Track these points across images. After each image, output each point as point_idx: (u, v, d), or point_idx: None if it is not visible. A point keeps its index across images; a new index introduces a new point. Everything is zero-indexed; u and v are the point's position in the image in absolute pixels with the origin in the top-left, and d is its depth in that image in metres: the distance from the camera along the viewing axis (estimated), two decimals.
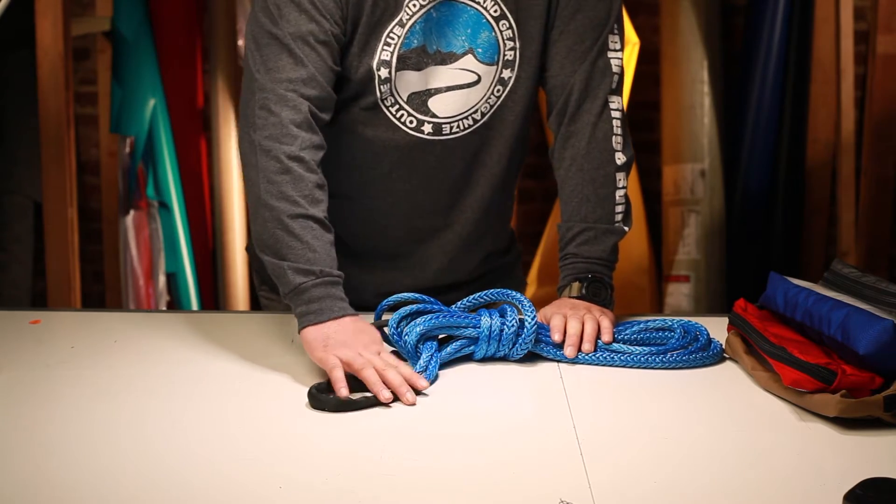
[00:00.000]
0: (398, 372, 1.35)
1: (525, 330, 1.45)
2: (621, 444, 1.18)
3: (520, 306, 1.47)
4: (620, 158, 1.63)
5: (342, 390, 1.33)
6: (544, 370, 1.45)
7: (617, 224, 1.63)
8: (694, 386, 1.39)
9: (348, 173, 1.65)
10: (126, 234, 3.44)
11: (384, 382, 1.33)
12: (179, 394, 1.36)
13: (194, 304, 3.46)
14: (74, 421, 1.25)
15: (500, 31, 1.58)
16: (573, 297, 1.58)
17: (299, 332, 1.45)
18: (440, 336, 1.47)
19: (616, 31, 1.63)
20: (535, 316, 1.45)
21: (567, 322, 1.50)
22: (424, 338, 1.44)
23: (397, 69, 1.56)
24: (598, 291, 1.59)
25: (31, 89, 2.95)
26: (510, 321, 1.44)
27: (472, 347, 1.46)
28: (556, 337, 1.48)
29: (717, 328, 1.54)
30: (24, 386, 1.38)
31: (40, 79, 2.85)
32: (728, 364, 1.46)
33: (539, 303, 1.56)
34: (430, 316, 1.44)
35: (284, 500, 1.04)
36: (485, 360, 1.47)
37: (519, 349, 1.46)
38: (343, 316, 1.44)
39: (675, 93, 3.38)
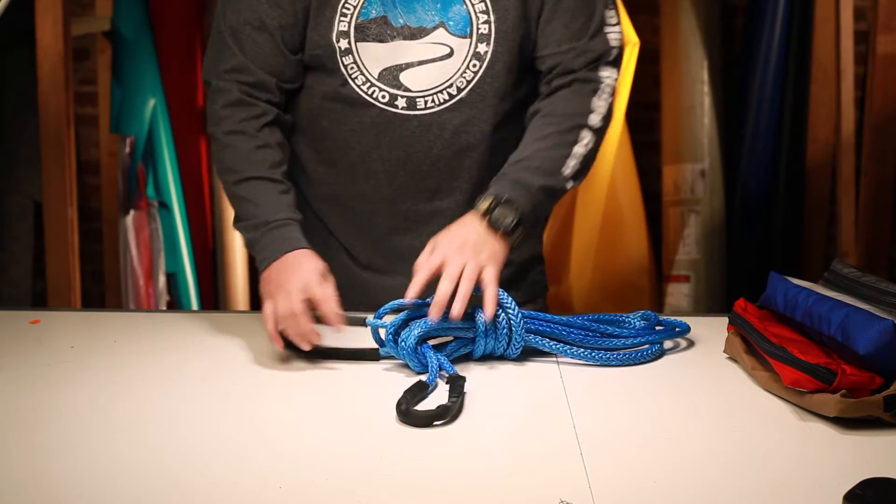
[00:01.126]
0: (298, 324, 1.41)
1: (514, 324, 1.43)
2: (621, 444, 1.18)
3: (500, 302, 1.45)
4: (594, 120, 1.60)
5: (276, 345, 1.42)
6: (544, 370, 1.45)
7: (564, 173, 1.57)
8: (694, 386, 1.39)
9: (329, 161, 1.65)
10: (126, 234, 3.44)
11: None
12: (179, 394, 1.36)
13: (194, 304, 3.46)
14: (74, 421, 1.25)
15: (472, 5, 1.59)
16: (477, 211, 1.51)
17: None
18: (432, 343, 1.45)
19: (612, 6, 1.62)
20: (518, 310, 1.44)
21: (441, 281, 1.42)
22: (421, 341, 1.43)
23: (357, 39, 1.58)
24: (504, 215, 1.50)
25: (31, 89, 2.95)
26: (500, 316, 1.43)
27: (469, 347, 1.46)
28: (417, 279, 1.43)
29: (717, 328, 1.54)
30: (24, 386, 1.38)
31: (40, 79, 2.85)
32: (728, 364, 1.46)
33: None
34: (424, 320, 1.42)
35: (284, 500, 1.04)
36: (483, 358, 1.47)
37: (514, 346, 1.45)
38: (281, 255, 1.49)
39: (675, 93, 3.38)
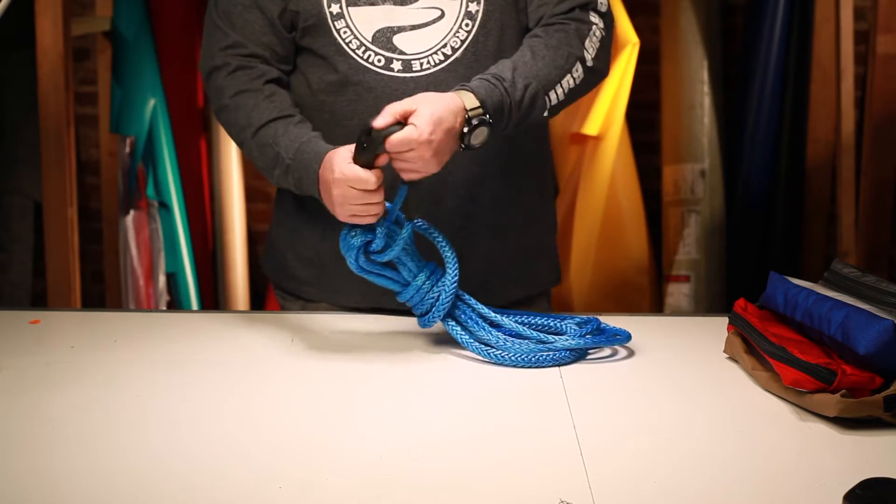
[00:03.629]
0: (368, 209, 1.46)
1: (441, 297, 1.49)
2: (621, 444, 1.18)
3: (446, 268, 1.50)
4: (587, 56, 1.60)
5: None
6: (544, 370, 1.45)
7: (546, 96, 1.56)
8: (694, 386, 1.39)
9: (329, 136, 1.65)
10: (126, 234, 3.44)
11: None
12: (179, 393, 1.36)
13: (194, 304, 3.46)
14: (74, 420, 1.25)
15: None
16: (465, 89, 1.50)
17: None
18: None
19: None
20: (452, 291, 1.49)
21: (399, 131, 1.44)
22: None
23: (348, 3, 1.60)
24: (478, 137, 1.49)
25: (31, 89, 2.95)
26: (435, 291, 1.49)
27: (398, 287, 1.52)
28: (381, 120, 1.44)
29: (717, 328, 1.54)
30: (24, 385, 1.38)
31: (40, 79, 2.85)
32: (728, 364, 1.46)
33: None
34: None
35: (284, 500, 1.04)
36: (483, 358, 1.47)
37: (431, 318, 1.50)
38: (316, 181, 1.53)
39: (675, 93, 3.38)
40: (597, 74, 1.65)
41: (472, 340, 1.49)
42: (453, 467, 1.12)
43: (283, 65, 1.68)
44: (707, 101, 3.36)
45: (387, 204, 1.49)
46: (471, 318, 1.51)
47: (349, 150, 1.49)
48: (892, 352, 1.20)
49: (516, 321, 1.52)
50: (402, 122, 1.44)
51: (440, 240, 1.52)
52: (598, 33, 1.64)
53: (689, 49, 3.35)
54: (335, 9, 1.61)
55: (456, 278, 1.49)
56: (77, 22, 3.30)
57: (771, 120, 3.37)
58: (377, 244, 1.48)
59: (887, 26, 3.10)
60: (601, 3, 1.67)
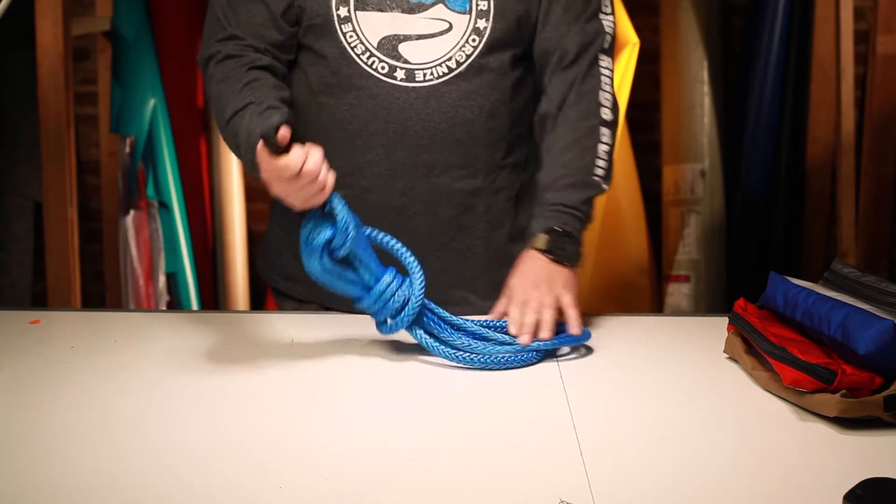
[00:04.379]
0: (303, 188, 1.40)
1: (407, 308, 1.45)
2: (621, 444, 1.18)
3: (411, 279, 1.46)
4: (607, 114, 1.64)
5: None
6: (544, 370, 1.45)
7: (596, 178, 1.62)
8: (694, 386, 1.39)
9: (327, 137, 1.66)
10: (126, 234, 3.44)
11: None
12: (179, 394, 1.36)
13: (194, 304, 3.46)
14: (74, 421, 1.25)
15: None
16: (537, 249, 1.57)
17: None
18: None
19: None
20: (421, 295, 1.45)
21: (522, 314, 1.51)
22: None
23: (356, 8, 1.60)
24: (564, 246, 1.57)
25: (31, 89, 2.95)
26: (400, 296, 1.45)
27: (361, 293, 1.46)
28: (513, 330, 1.50)
29: (717, 328, 1.54)
30: (24, 385, 1.38)
31: (40, 79, 2.85)
32: (728, 364, 1.46)
33: None
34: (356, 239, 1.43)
35: (284, 500, 1.04)
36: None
37: (396, 325, 1.46)
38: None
39: (675, 93, 3.38)
40: (617, 123, 1.67)
41: (438, 345, 1.46)
42: (453, 467, 1.12)
43: (283, 54, 1.65)
44: (707, 101, 3.36)
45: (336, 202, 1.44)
46: (433, 322, 1.49)
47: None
48: (892, 352, 1.20)
49: (478, 324, 1.51)
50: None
51: (398, 247, 1.47)
52: (607, 80, 1.66)
53: (689, 49, 3.36)
54: (343, 12, 1.60)
55: (423, 282, 1.46)
56: (77, 22, 3.30)
57: (771, 120, 3.37)
58: (338, 237, 1.41)
59: (887, 26, 3.10)
60: (608, 37, 1.67)
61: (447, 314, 1.50)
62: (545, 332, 1.49)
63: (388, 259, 1.48)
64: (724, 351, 1.48)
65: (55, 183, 2.89)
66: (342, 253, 1.43)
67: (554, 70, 1.65)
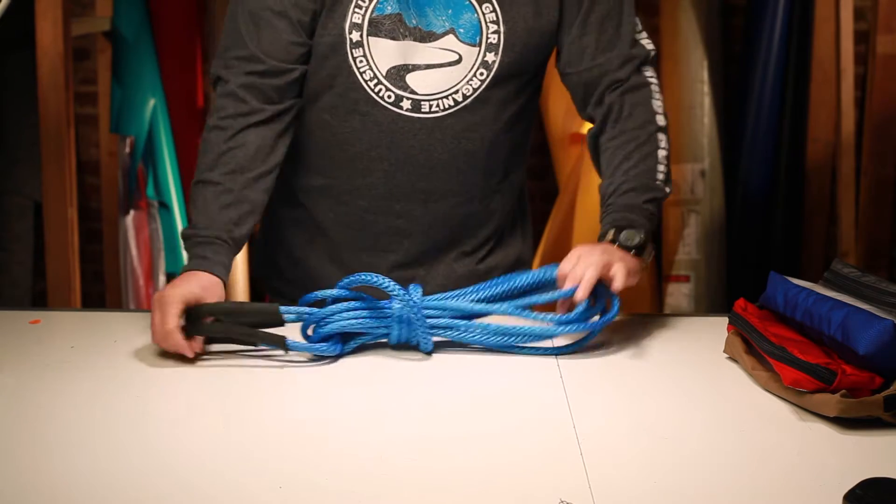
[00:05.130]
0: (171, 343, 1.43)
1: (415, 318, 1.45)
2: (621, 444, 1.18)
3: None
4: (661, 120, 1.64)
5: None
6: (544, 370, 1.45)
7: (658, 182, 1.61)
8: (694, 386, 1.39)
9: (328, 154, 1.65)
10: (126, 234, 3.44)
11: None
12: (179, 393, 1.36)
13: None
14: (74, 421, 1.25)
15: (483, 14, 1.60)
16: (607, 242, 1.55)
17: None
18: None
19: (635, 13, 1.67)
20: (418, 301, 1.45)
21: (576, 266, 1.48)
22: (336, 336, 1.46)
23: (369, 34, 1.58)
24: (630, 237, 1.53)
25: (31, 89, 2.95)
26: (403, 307, 1.45)
27: (384, 331, 1.46)
28: (568, 284, 1.47)
29: (717, 328, 1.54)
30: (24, 385, 1.38)
31: (40, 79, 2.85)
32: (728, 364, 1.46)
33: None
34: (343, 318, 1.44)
35: (284, 500, 1.04)
36: (483, 358, 1.47)
37: (424, 340, 1.46)
38: (189, 271, 1.51)
39: (675, 93, 3.38)
40: (668, 128, 1.67)
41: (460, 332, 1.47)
42: (453, 467, 1.12)
43: (303, 65, 1.61)
44: (707, 101, 3.36)
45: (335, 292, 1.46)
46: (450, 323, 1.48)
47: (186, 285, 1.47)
48: (892, 352, 1.20)
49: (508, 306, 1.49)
50: None
51: (380, 282, 1.45)
52: (657, 89, 1.67)
53: (689, 49, 3.36)
54: (355, 36, 1.58)
55: (420, 289, 1.46)
56: (77, 22, 3.30)
57: (771, 120, 3.37)
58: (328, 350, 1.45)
59: (887, 26, 3.10)
60: (652, 52, 1.68)
61: (449, 303, 1.49)
62: (581, 292, 1.45)
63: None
64: (724, 351, 1.48)
65: (55, 183, 2.89)
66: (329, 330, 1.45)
67: (603, 93, 1.65)
